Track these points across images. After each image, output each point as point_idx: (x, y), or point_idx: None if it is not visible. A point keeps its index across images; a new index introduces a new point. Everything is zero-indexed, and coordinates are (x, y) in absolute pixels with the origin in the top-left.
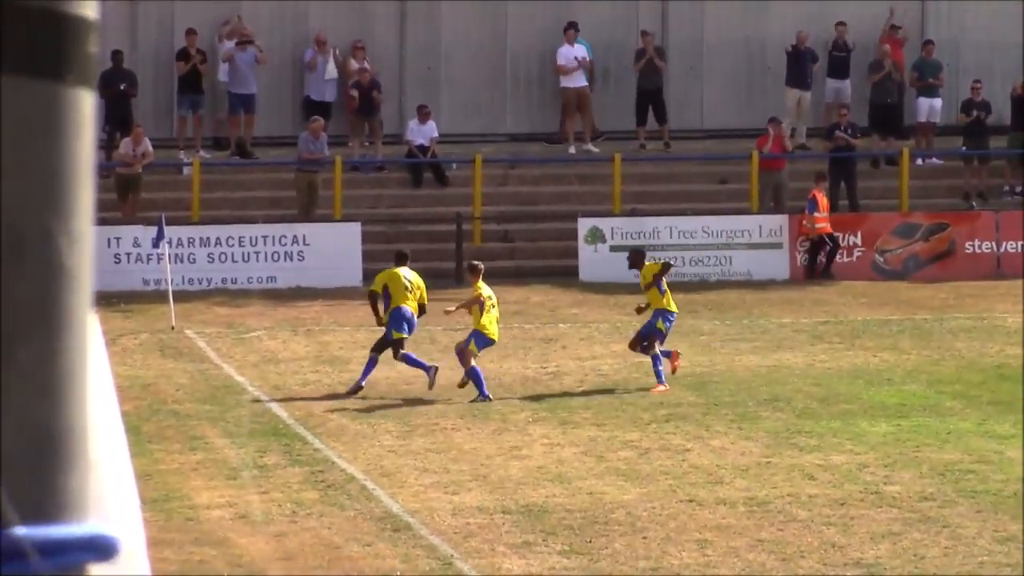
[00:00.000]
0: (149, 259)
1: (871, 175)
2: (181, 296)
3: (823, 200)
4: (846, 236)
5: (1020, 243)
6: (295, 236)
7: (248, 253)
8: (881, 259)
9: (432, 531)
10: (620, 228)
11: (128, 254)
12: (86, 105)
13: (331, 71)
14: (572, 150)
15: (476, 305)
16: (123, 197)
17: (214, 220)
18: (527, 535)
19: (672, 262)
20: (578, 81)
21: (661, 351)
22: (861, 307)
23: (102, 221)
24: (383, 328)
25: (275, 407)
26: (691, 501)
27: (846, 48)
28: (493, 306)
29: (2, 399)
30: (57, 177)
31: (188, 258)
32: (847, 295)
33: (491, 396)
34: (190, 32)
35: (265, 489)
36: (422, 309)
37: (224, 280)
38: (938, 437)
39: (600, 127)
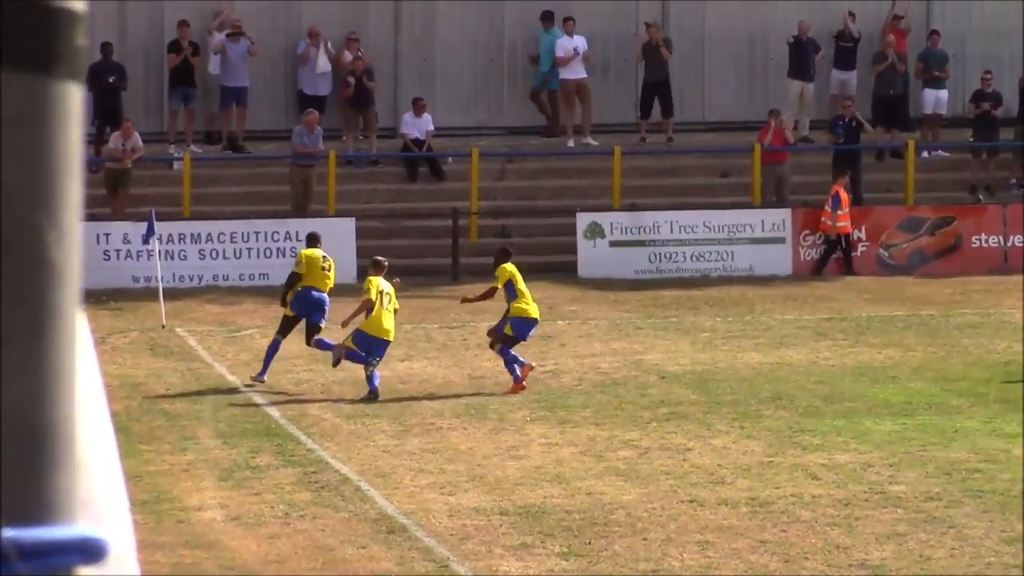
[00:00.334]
0: (139, 256)
1: (876, 168)
2: (172, 293)
3: (845, 196)
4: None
5: None
6: (288, 232)
7: (240, 249)
8: (886, 254)
9: (428, 533)
10: (620, 223)
11: (117, 250)
12: (74, 99)
13: (323, 65)
14: (571, 143)
15: (364, 310)
16: (112, 192)
17: (205, 216)
18: (525, 537)
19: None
20: (576, 73)
21: (517, 358)
22: (865, 303)
23: (91, 217)
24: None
25: (267, 407)
26: (692, 502)
27: (853, 38)
28: (389, 301)
29: None
30: (44, 172)
31: (179, 255)
32: (851, 291)
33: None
34: (182, 24)
35: (257, 490)
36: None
37: (215, 277)
38: (944, 436)
39: (599, 120)
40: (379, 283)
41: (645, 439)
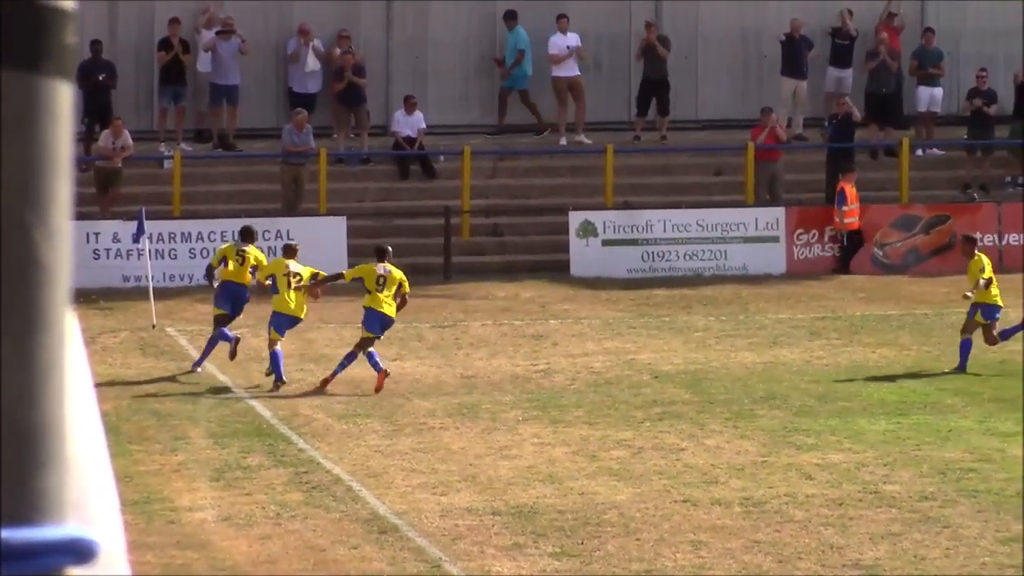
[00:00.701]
0: (129, 255)
1: (870, 166)
2: (162, 293)
3: (852, 192)
4: (835, 229)
5: (1023, 236)
6: (279, 231)
7: None
8: (880, 253)
9: (420, 533)
10: (613, 222)
11: (107, 250)
12: (64, 97)
13: (312, 64)
14: (563, 141)
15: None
16: (102, 191)
17: (196, 215)
18: (517, 537)
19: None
20: (570, 70)
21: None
22: (860, 302)
23: (81, 216)
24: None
25: (259, 406)
26: (685, 501)
27: (850, 36)
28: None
29: None
30: (33, 170)
31: (169, 254)
32: (845, 290)
33: (286, 380)
34: (173, 21)
35: (248, 491)
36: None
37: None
38: (938, 435)
39: (592, 118)
40: (289, 266)
41: (638, 439)
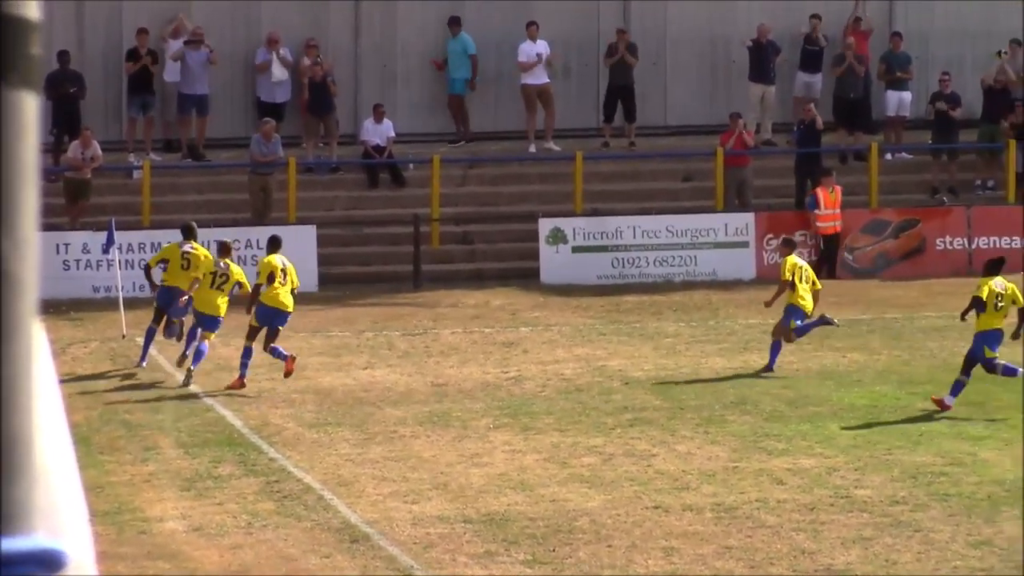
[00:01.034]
0: (99, 265)
1: (839, 171)
2: (132, 303)
3: (826, 197)
4: (813, 234)
5: (992, 239)
6: (248, 240)
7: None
8: (850, 257)
9: (391, 541)
10: (582, 228)
11: (77, 260)
12: (30, 107)
13: (279, 74)
14: (532, 149)
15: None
16: (71, 202)
17: (165, 225)
18: (489, 544)
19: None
20: (539, 78)
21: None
22: (830, 307)
23: (50, 227)
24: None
25: (229, 416)
26: (657, 508)
27: (819, 42)
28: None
29: None
30: (0, 181)
31: (139, 264)
32: None
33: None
34: (141, 32)
35: (219, 500)
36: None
37: None
38: (909, 439)
39: (561, 125)
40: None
41: (609, 445)
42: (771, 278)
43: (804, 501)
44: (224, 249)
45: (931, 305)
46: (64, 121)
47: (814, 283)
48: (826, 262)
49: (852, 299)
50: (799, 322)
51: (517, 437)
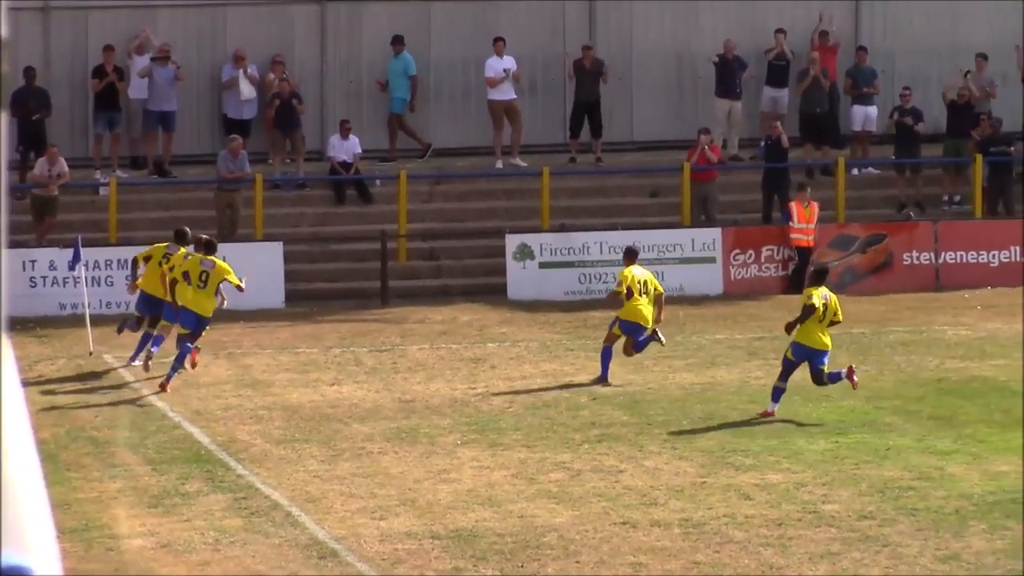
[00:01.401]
0: (65, 282)
1: (803, 188)
2: (99, 320)
3: (799, 211)
4: (780, 249)
5: (959, 254)
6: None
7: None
8: None
9: (360, 558)
10: (549, 244)
11: (44, 277)
12: None
13: (247, 92)
14: (499, 164)
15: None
16: (38, 219)
17: (132, 241)
18: (457, 560)
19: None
20: (506, 94)
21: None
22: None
23: (17, 244)
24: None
25: (197, 432)
26: (625, 523)
27: (786, 57)
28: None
29: None
30: None
31: (106, 281)
32: (782, 309)
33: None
34: (107, 48)
35: (187, 517)
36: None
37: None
38: (877, 454)
39: (527, 140)
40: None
41: (577, 461)
42: (737, 293)
43: (772, 516)
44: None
45: (898, 320)
46: (31, 138)
47: (658, 291)
48: (797, 275)
49: None
50: (639, 337)
51: (485, 453)
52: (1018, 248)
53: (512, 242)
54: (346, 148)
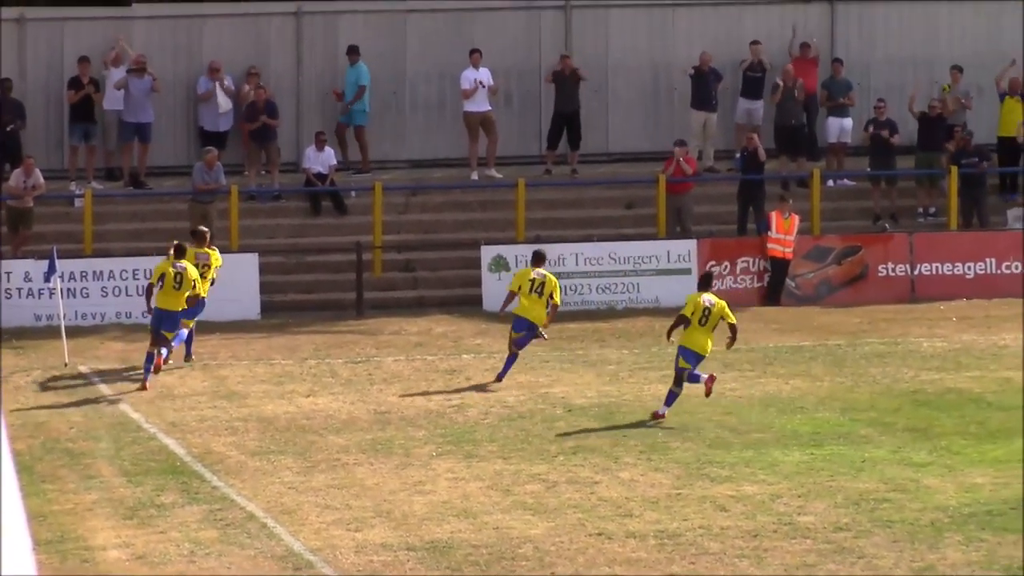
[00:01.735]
0: (40, 294)
1: (784, 199)
2: (74, 331)
3: (779, 221)
4: (756, 261)
5: (935, 266)
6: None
7: (142, 286)
8: (792, 284)
9: (335, 569)
10: (525, 256)
11: (19, 289)
12: None
13: (224, 104)
14: (475, 176)
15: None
16: (13, 230)
17: (107, 253)
18: (432, 572)
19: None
20: (481, 105)
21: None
22: (772, 333)
23: None
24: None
25: (172, 444)
26: (600, 535)
27: (762, 68)
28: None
29: None
30: None
31: (81, 292)
32: (758, 321)
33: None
34: (82, 60)
35: (162, 529)
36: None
37: (118, 314)
38: (852, 466)
39: (503, 152)
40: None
41: (552, 472)
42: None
43: (747, 528)
44: (200, 236)
45: (874, 332)
46: (6, 150)
47: (552, 296)
48: (772, 287)
49: (795, 326)
50: (522, 332)
51: (460, 465)
52: (993, 260)
53: (488, 254)
54: (321, 160)
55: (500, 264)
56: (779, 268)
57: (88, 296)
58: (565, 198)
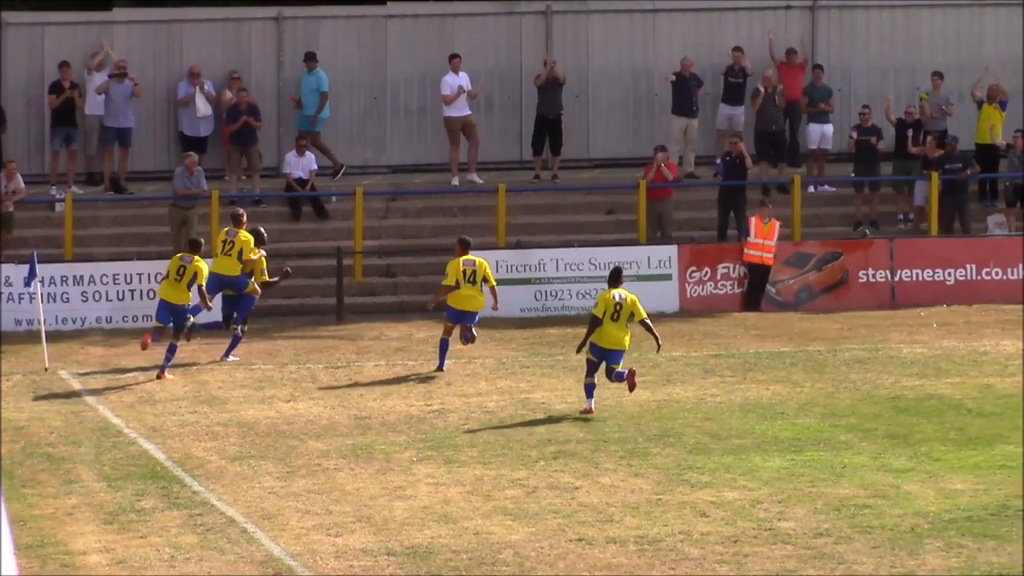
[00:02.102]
0: (21, 299)
1: (764, 204)
2: (55, 336)
3: (758, 226)
4: (735, 267)
5: (915, 271)
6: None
7: (123, 291)
8: (773, 290)
9: (315, 574)
10: (505, 261)
11: None
12: None
13: (203, 109)
14: (455, 181)
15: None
16: None
17: (88, 257)
18: None
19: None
20: (462, 110)
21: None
22: (753, 339)
23: None
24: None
25: (152, 449)
26: (580, 540)
27: (743, 74)
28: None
29: None
30: None
31: (61, 297)
32: (738, 327)
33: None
34: (63, 65)
35: (143, 533)
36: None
37: (98, 319)
38: (833, 471)
39: (483, 158)
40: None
41: (532, 478)
42: (693, 311)
43: (728, 533)
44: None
45: (854, 337)
46: None
47: (486, 280)
48: (751, 293)
49: (775, 332)
50: (468, 327)
51: (440, 470)
52: (974, 266)
53: None
54: (302, 165)
55: None
56: (760, 273)
57: (69, 301)
58: (546, 203)
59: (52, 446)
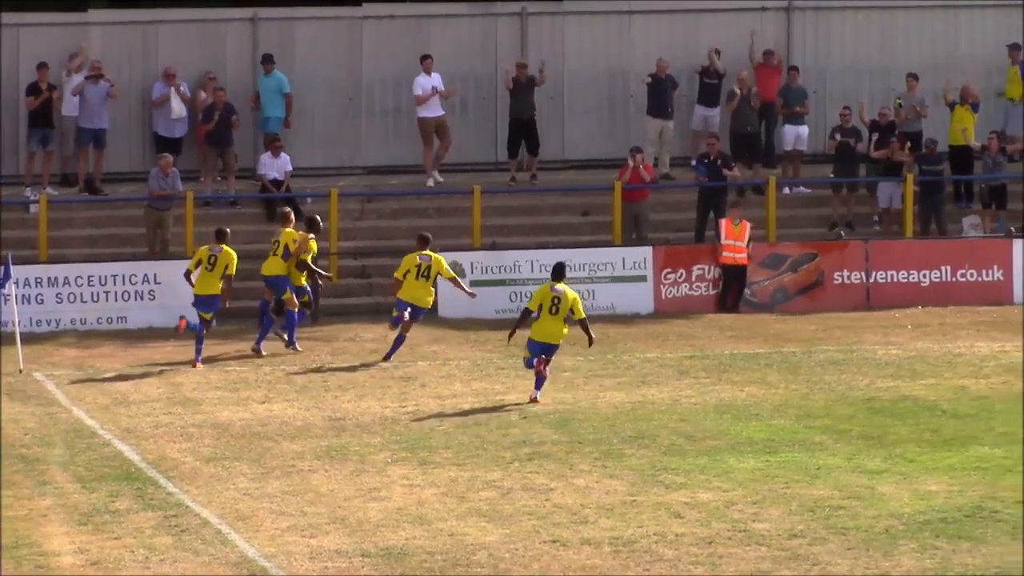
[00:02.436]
0: None
1: (737, 205)
2: (29, 338)
3: (729, 228)
4: (710, 268)
5: (890, 273)
6: (145, 275)
7: (98, 293)
8: (748, 291)
9: (289, 575)
10: (480, 262)
11: None
12: None
13: (178, 110)
14: (430, 183)
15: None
16: None
17: (62, 259)
18: None
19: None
20: (435, 111)
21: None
22: (728, 340)
23: None
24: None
25: (127, 450)
26: (555, 542)
27: (718, 75)
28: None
29: None
30: None
31: (36, 298)
32: (713, 328)
33: None
34: (41, 66)
35: (117, 535)
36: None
37: (73, 321)
38: (807, 473)
39: (458, 159)
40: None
41: (507, 479)
42: (669, 312)
43: (702, 535)
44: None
45: (829, 339)
46: None
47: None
48: (725, 294)
49: (750, 333)
50: (401, 313)
51: (415, 471)
52: (948, 268)
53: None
54: (277, 166)
55: (456, 270)
56: (735, 274)
57: (43, 302)
58: (521, 205)
59: (26, 447)
